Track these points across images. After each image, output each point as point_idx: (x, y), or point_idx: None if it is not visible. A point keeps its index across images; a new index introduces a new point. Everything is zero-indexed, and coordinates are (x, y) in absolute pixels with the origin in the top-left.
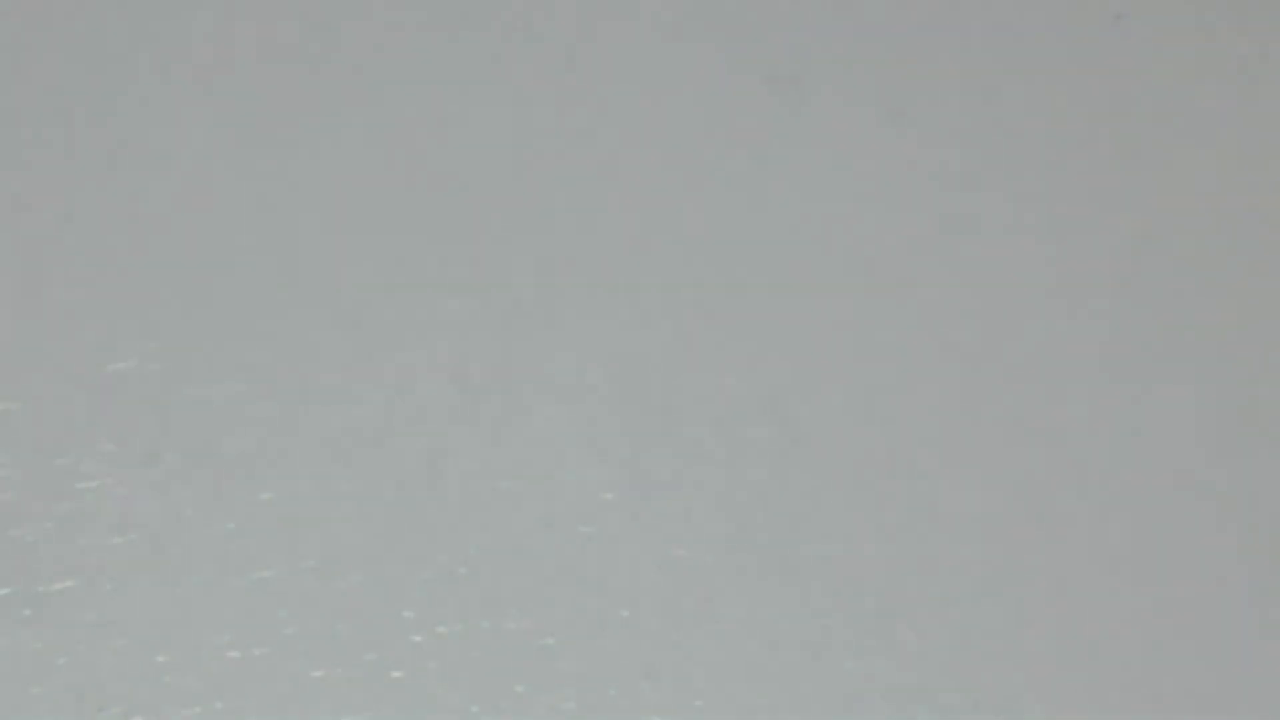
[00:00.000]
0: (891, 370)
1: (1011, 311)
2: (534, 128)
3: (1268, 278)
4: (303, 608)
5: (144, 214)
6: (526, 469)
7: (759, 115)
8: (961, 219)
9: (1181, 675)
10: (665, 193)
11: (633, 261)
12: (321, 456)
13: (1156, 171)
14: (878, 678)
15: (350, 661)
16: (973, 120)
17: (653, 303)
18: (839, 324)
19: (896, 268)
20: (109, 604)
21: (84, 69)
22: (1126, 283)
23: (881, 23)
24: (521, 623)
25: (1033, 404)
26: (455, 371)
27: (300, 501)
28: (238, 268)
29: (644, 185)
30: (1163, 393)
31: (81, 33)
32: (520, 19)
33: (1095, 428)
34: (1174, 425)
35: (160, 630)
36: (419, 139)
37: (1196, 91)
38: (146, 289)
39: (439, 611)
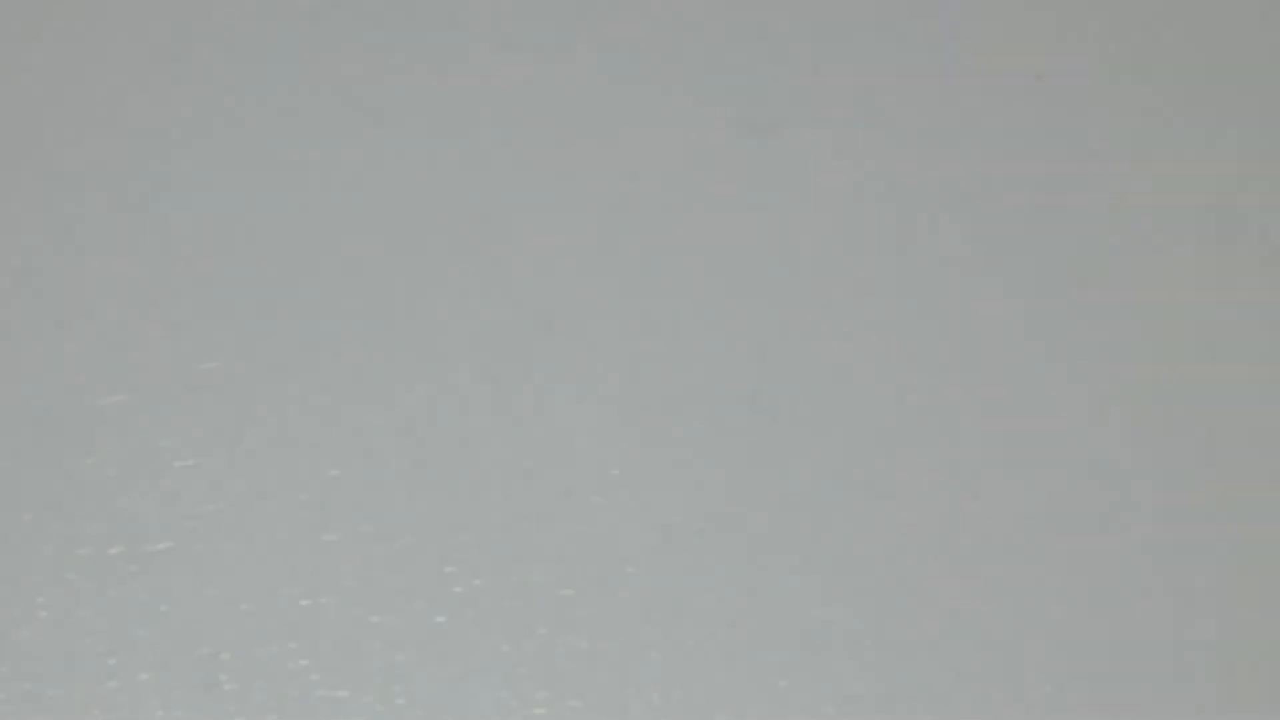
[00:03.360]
0: (855, 370)
1: (957, 319)
2: (549, 166)
3: (1183, 332)
4: (362, 564)
5: (228, 245)
6: (547, 450)
7: (736, 156)
8: (910, 242)
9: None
10: (661, 223)
11: (635, 280)
12: (377, 440)
13: (1082, 212)
14: (841, 625)
15: (401, 609)
16: (921, 163)
17: (653, 314)
18: (810, 329)
19: (857, 284)
20: (202, 561)
21: (177, 98)
22: (1058, 299)
23: (846, 79)
24: (544, 576)
25: (987, 397)
26: (488, 370)
27: (360, 477)
28: (307, 288)
29: (643, 217)
30: (1089, 388)
31: (170, 54)
32: (529, 74)
33: (1050, 414)
34: (1120, 415)
35: (244, 583)
36: (448, 195)
37: (1113, 146)
38: (231, 302)
39: (475, 567)
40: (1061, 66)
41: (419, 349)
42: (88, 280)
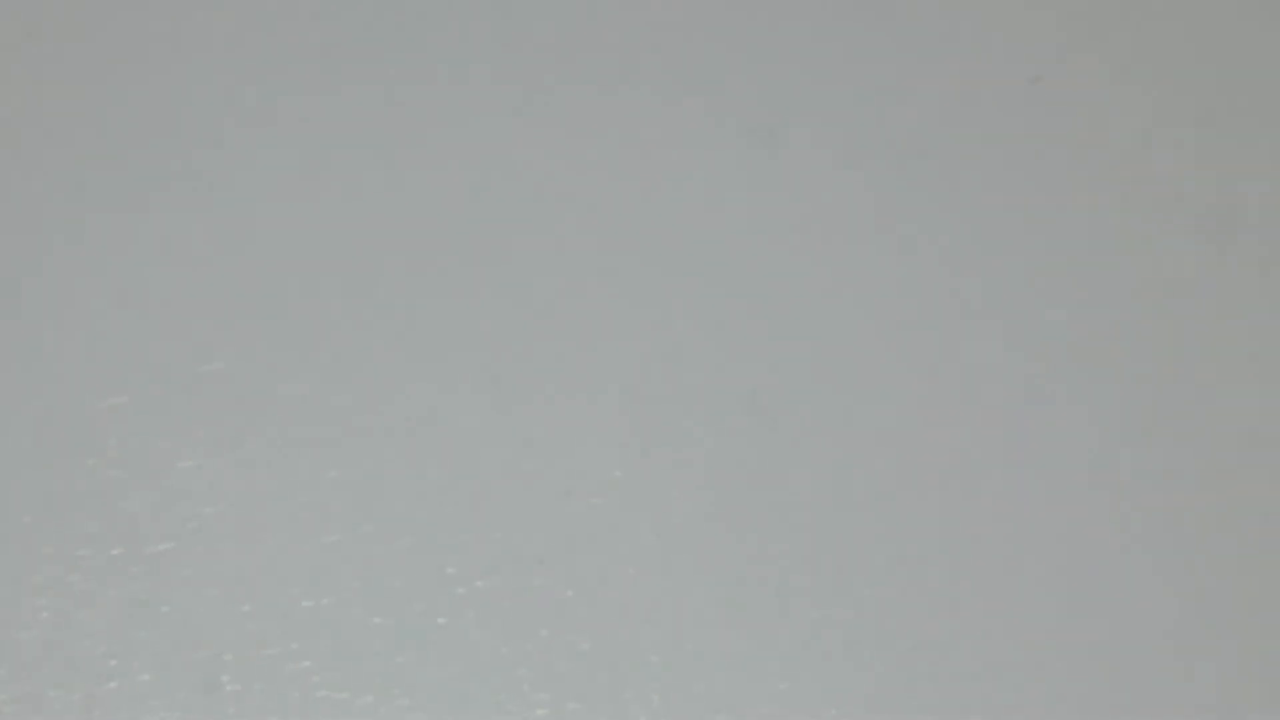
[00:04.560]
0: (853, 371)
1: (954, 319)
2: (555, 170)
3: (1182, 333)
4: (363, 565)
5: (229, 247)
6: (549, 452)
7: (739, 160)
8: (909, 243)
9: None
10: (664, 227)
11: (637, 283)
12: (378, 441)
13: (1073, 216)
14: (836, 619)
15: (403, 610)
16: (920, 166)
17: (652, 320)
18: (808, 331)
19: (857, 287)
20: (203, 562)
21: (181, 101)
22: (1042, 301)
23: (844, 85)
24: (544, 577)
25: (985, 397)
26: (489, 372)
27: (361, 478)
28: (309, 291)
29: (646, 221)
30: (1086, 388)
31: (187, 68)
32: (542, 86)
33: (1048, 413)
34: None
35: (245, 584)
36: (461, 203)
37: (1111, 148)
38: (231, 305)
39: (477, 568)
40: (1059, 70)
41: (420, 351)
42: (89, 283)
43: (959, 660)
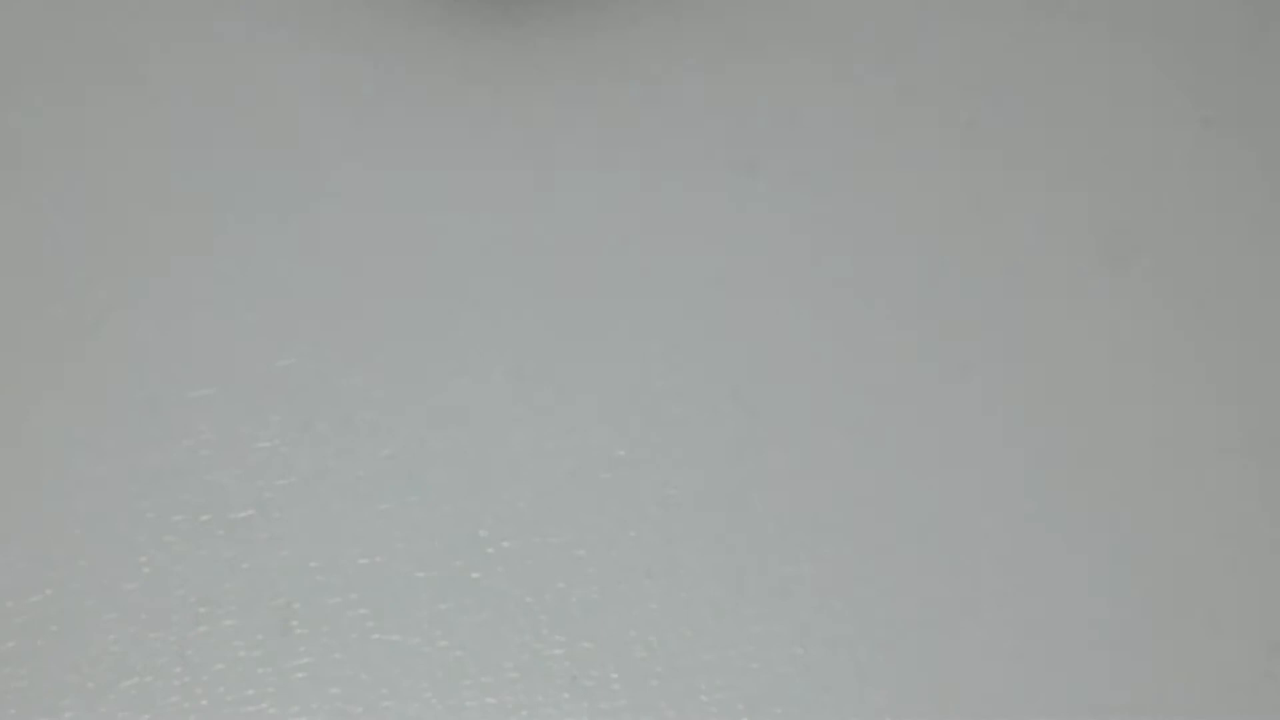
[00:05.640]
0: (820, 370)
1: (897, 321)
2: (579, 201)
3: (1116, 362)
4: (410, 529)
5: (298, 266)
6: (564, 435)
7: (723, 191)
8: (859, 255)
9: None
10: (663, 246)
11: (639, 294)
12: (422, 427)
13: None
14: (804, 573)
15: (443, 565)
16: (868, 191)
17: (653, 323)
18: (782, 335)
19: (824, 297)
20: (277, 526)
21: (264, 142)
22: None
23: (814, 128)
24: (561, 538)
25: (938, 396)
26: (516, 369)
27: (408, 457)
28: (365, 302)
29: (648, 240)
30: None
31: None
32: (549, 143)
33: (995, 409)
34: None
35: (312, 545)
36: (490, 229)
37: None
38: (302, 312)
39: (504, 531)
40: (989, 114)
41: (457, 352)
42: (182, 297)
43: (946, 643)
